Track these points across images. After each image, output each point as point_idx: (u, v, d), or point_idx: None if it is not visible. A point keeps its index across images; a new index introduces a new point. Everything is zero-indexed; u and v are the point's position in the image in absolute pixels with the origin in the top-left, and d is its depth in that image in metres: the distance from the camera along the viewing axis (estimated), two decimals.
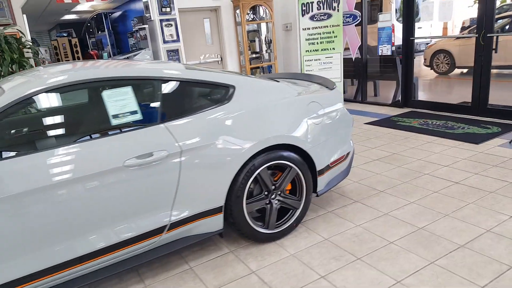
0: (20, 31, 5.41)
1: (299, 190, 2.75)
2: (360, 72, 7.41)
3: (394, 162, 4.05)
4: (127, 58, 8.21)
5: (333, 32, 7.17)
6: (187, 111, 2.38)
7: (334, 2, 6.91)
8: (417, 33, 6.11)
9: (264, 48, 8.76)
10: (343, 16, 7.08)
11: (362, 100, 7.39)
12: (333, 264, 2.39)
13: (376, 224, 2.83)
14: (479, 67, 5.39)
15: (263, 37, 8.78)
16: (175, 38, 7.34)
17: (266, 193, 2.61)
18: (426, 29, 11.60)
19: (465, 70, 10.14)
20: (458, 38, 10.18)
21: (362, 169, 3.94)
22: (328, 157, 2.87)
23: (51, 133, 2.23)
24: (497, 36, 5.25)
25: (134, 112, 2.21)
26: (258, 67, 8.77)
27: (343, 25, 7.11)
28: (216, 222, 2.44)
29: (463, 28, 11.46)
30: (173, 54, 7.38)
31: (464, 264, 2.29)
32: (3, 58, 4.90)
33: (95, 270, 2.15)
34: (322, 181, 2.86)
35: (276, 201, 2.65)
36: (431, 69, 10.70)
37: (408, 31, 6.32)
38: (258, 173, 2.49)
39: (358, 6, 7.13)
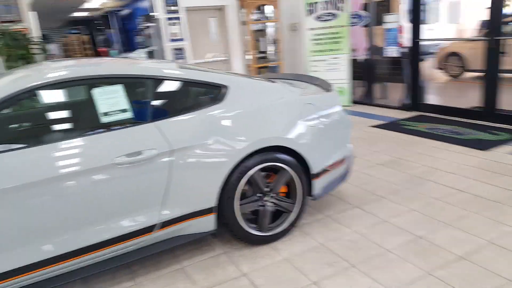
0: (28, 28, 5.43)
1: (293, 193, 2.69)
2: (367, 74, 7.30)
3: (398, 167, 3.95)
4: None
5: (339, 32, 7.08)
6: (179, 110, 2.35)
7: (339, 2, 6.81)
8: (428, 35, 5.99)
9: (270, 48, 8.70)
10: (350, 17, 6.98)
11: (369, 103, 7.28)
12: (326, 270, 2.32)
13: (374, 230, 2.75)
14: (489, 70, 5.26)
15: (269, 37, 8.73)
16: (180, 36, 7.32)
17: (259, 195, 2.55)
18: (438, 31, 11.44)
19: (476, 74, 9.97)
20: (468, 40, 10.00)
21: (364, 173, 3.85)
22: (325, 160, 2.80)
23: (41, 129, 2.22)
24: (505, 39, 5.08)
25: (124, 110, 2.19)
26: (264, 67, 8.72)
27: (350, 25, 7.01)
28: (208, 223, 2.39)
29: (476, 31, 11.27)
30: (178, 53, 7.37)
31: (462, 276, 2.20)
32: (10, 54, 4.93)
33: (86, 266, 2.13)
34: (318, 184, 2.78)
35: (270, 204, 2.59)
36: (442, 72, 10.53)
37: (415, 33, 6.20)
38: (251, 175, 2.44)
39: (365, 7, 7.01)
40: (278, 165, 2.55)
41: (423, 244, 2.54)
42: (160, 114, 2.28)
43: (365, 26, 6.98)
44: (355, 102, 7.47)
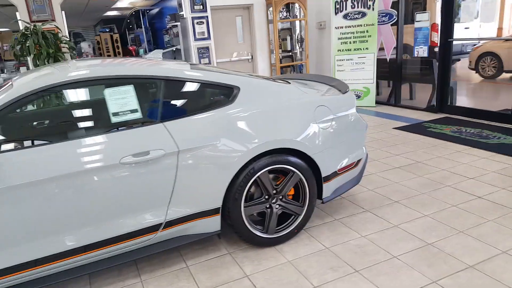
0: (58, 27, 5.66)
1: (302, 196, 2.68)
2: (395, 74, 7.13)
3: (416, 171, 3.86)
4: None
5: (367, 31, 6.96)
6: (188, 111, 2.39)
7: (370, 0, 6.68)
8: (463, 34, 5.74)
9: (296, 46, 8.65)
10: (379, 15, 6.84)
11: (395, 103, 7.11)
12: (329, 275, 2.31)
13: (383, 236, 2.71)
14: None
15: (295, 36, 8.68)
16: (206, 35, 7.41)
17: (266, 197, 2.56)
18: (474, 30, 11.00)
19: None
20: (507, 40, 9.57)
21: (380, 176, 3.79)
22: (336, 164, 2.78)
23: (51, 128, 2.30)
24: None
25: (134, 111, 2.25)
26: (289, 66, 8.69)
27: (378, 24, 6.87)
28: (213, 223, 2.43)
29: None
30: (204, 52, 7.46)
31: (468, 286, 2.14)
32: (40, 52, 5.15)
33: (92, 262, 2.21)
34: (328, 188, 2.76)
35: (277, 206, 2.60)
36: (476, 72, 10.13)
37: (447, 32, 5.99)
38: (258, 177, 2.45)
39: (395, 5, 6.85)
40: (287, 168, 2.55)
41: (433, 252, 2.48)
42: (169, 114, 2.33)
43: (394, 24, 6.81)
44: (380, 103, 7.33)
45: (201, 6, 7.22)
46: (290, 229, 2.67)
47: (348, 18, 7.08)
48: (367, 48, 7.01)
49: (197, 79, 2.45)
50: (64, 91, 2.26)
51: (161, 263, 2.55)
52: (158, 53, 2.90)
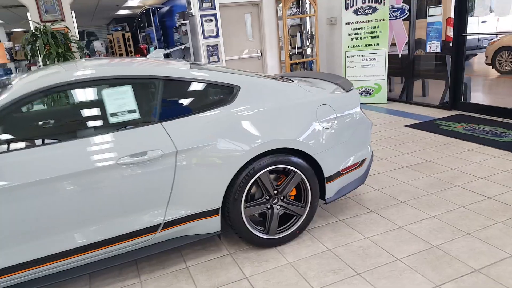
0: (67, 27, 5.71)
1: (304, 197, 2.64)
2: (406, 70, 7.00)
3: (425, 170, 3.78)
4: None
5: (378, 27, 6.84)
6: (187, 111, 2.37)
7: None
8: (480, 28, 5.55)
9: (306, 43, 8.57)
10: (390, 10, 6.72)
11: (407, 100, 6.98)
12: (329, 277, 2.28)
13: (387, 237, 2.65)
14: None
15: (306, 32, 8.59)
16: (215, 33, 7.40)
17: (267, 197, 2.53)
18: (491, 24, 10.72)
19: None
20: None
21: (387, 176, 3.72)
22: (339, 164, 2.73)
23: (46, 129, 2.30)
24: None
25: (132, 111, 2.24)
26: (298, 63, 8.61)
27: (390, 19, 6.75)
28: (212, 224, 2.41)
29: None
30: (213, 50, 7.45)
31: None
32: (49, 52, 5.20)
33: (92, 262, 2.22)
34: (331, 188, 2.72)
35: (278, 207, 2.57)
36: (492, 67, 9.88)
37: (461, 26, 5.84)
38: (258, 177, 2.42)
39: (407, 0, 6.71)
40: (288, 168, 2.51)
41: (438, 254, 2.42)
42: (167, 114, 2.31)
43: (406, 19, 6.68)
44: (392, 99, 7.21)
45: (210, 3, 7.21)
46: (292, 230, 2.64)
47: (358, 13, 6.97)
48: (378, 44, 6.90)
49: (196, 79, 2.43)
50: (59, 92, 2.26)
51: (161, 263, 2.55)
52: (159, 53, 2.89)
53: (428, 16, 6.28)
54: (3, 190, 1.94)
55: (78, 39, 5.82)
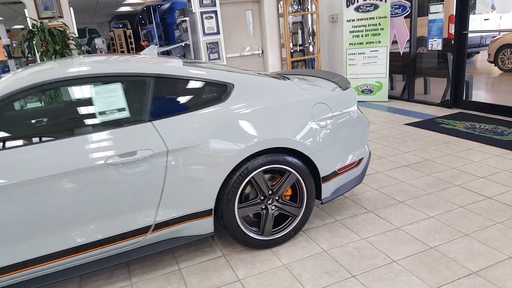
0: (65, 24, 5.67)
1: (299, 197, 2.60)
2: (408, 68, 6.93)
3: (424, 169, 3.73)
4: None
5: (379, 24, 6.78)
6: (179, 109, 2.32)
7: None
8: (483, 25, 5.48)
9: (308, 40, 8.51)
10: (391, 7, 6.65)
11: (408, 98, 6.92)
12: (324, 280, 2.24)
13: (384, 238, 2.61)
14: None
15: (307, 29, 8.52)
16: (215, 30, 7.35)
17: (261, 198, 2.49)
18: (494, 21, 10.62)
19: None
20: None
21: (386, 175, 3.67)
22: (335, 163, 2.69)
23: (33, 128, 2.26)
24: None
25: (122, 110, 2.19)
26: (300, 61, 8.55)
27: (391, 16, 6.68)
28: (205, 225, 2.37)
29: None
30: (213, 47, 7.40)
31: None
32: (47, 49, 5.17)
33: (83, 264, 2.18)
34: (327, 188, 2.68)
35: (273, 207, 2.53)
36: (495, 65, 9.80)
37: (462, 24, 5.77)
38: (252, 177, 2.38)
39: None
40: (283, 168, 2.47)
41: (435, 256, 2.38)
42: (158, 113, 2.26)
43: (408, 17, 6.61)
44: (394, 97, 7.14)
45: (210, 0, 7.15)
46: (287, 231, 2.60)
47: (360, 10, 6.91)
48: (379, 42, 6.83)
49: (188, 76, 2.38)
50: (46, 91, 2.21)
51: (153, 265, 2.51)
52: (153, 50, 2.83)
53: (430, 13, 6.22)
54: None
55: (77, 36, 5.77)
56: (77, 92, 2.27)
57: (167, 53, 9.57)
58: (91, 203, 2.09)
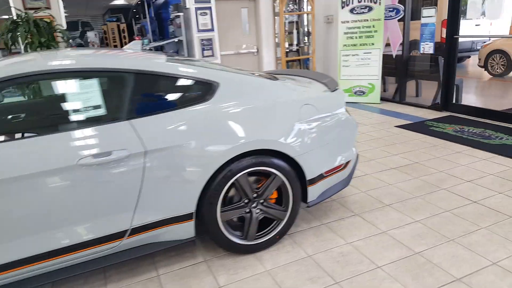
0: (52, 16, 5.54)
1: (285, 200, 2.56)
2: (400, 71, 6.93)
3: (412, 172, 3.72)
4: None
5: (373, 26, 6.77)
6: (160, 108, 2.21)
7: None
8: (473, 31, 5.50)
9: (303, 40, 8.47)
10: (386, 10, 6.64)
11: (400, 100, 6.92)
12: (307, 287, 2.20)
13: (369, 243, 2.59)
14: None
15: (303, 29, 8.48)
16: (209, 27, 7.28)
17: (246, 201, 2.44)
18: (485, 27, 10.66)
19: None
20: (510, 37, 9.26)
21: (374, 177, 3.65)
22: (322, 166, 2.65)
23: (3, 126, 2.11)
24: None
25: (97, 107, 2.09)
26: (295, 60, 8.52)
27: (385, 19, 6.67)
28: (186, 230, 2.29)
29: None
30: (207, 44, 7.33)
31: None
32: (32, 41, 5.03)
33: (56, 270, 2.07)
34: (313, 191, 2.64)
35: (258, 211, 2.48)
36: (485, 70, 9.86)
37: (453, 28, 5.78)
38: (236, 179, 2.33)
39: (403, 0, 6.63)
40: (268, 170, 2.43)
41: (419, 262, 2.36)
42: (137, 111, 2.15)
43: (401, 20, 6.61)
44: (386, 99, 7.14)
45: None
46: (272, 235, 2.55)
47: (354, 12, 6.89)
48: (373, 44, 6.83)
49: (171, 73, 2.28)
50: (16, 85, 2.10)
51: (131, 271, 2.43)
52: (137, 45, 2.77)
53: (422, 17, 6.22)
54: None
55: (64, 28, 5.64)
56: (50, 87, 2.16)
57: (161, 49, 9.47)
58: (62, 206, 1.98)
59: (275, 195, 2.60)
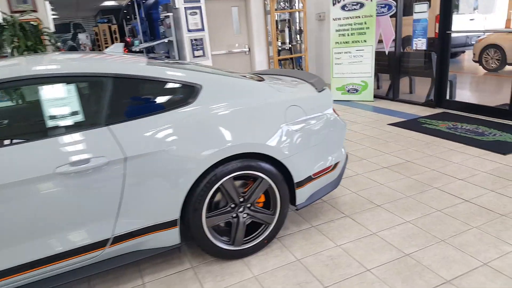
0: (39, 19, 5.48)
1: (272, 204, 2.52)
2: (393, 67, 6.89)
3: (404, 171, 3.68)
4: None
5: (365, 23, 6.72)
6: (140, 112, 2.15)
7: None
8: (468, 25, 5.44)
9: (296, 39, 8.42)
10: (378, 6, 6.59)
11: (393, 98, 6.88)
12: None
13: (359, 245, 2.54)
14: None
15: (294, 27, 8.44)
16: (200, 27, 7.22)
17: (232, 205, 2.40)
18: (479, 22, 10.63)
19: None
20: (510, 32, 9.24)
21: (365, 177, 3.61)
22: (310, 168, 2.61)
23: None
24: None
25: (75, 113, 2.03)
26: (287, 59, 8.47)
27: (377, 15, 6.62)
28: (170, 237, 2.24)
29: None
30: (198, 44, 7.27)
31: None
32: (18, 45, 4.97)
33: (35, 281, 2.01)
34: (302, 194, 2.60)
35: (245, 215, 2.44)
36: (479, 65, 9.84)
37: (446, 23, 5.74)
38: (221, 184, 2.28)
39: None
40: (254, 174, 2.38)
41: (409, 264, 2.32)
42: (116, 117, 2.09)
43: (394, 16, 6.56)
44: (378, 97, 7.11)
45: None
46: (260, 239, 2.50)
47: (346, 9, 6.84)
48: (365, 41, 6.78)
49: (151, 77, 2.22)
50: None
51: (116, 279, 2.38)
52: (118, 47, 2.71)
53: (414, 12, 6.17)
54: None
55: (52, 31, 5.57)
56: (25, 94, 2.10)
57: (152, 50, 9.39)
58: (40, 216, 1.92)
59: (262, 199, 2.55)
